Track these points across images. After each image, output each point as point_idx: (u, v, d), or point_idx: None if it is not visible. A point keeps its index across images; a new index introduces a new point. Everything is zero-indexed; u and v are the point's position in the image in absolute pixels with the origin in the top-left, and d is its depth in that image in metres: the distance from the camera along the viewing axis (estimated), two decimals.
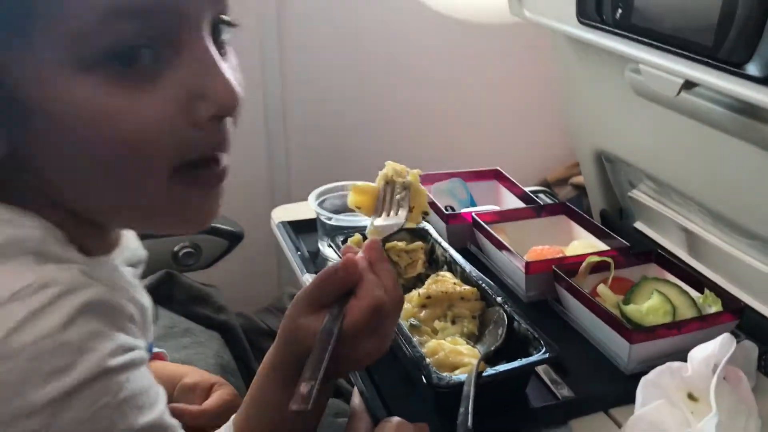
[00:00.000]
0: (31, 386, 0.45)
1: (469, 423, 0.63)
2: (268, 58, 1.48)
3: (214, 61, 0.51)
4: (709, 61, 0.74)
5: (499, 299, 0.80)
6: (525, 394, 0.75)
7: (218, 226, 1.25)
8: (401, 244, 0.93)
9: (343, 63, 1.55)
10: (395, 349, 0.74)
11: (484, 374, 0.69)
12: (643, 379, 0.70)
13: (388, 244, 0.92)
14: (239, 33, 0.56)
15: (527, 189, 1.25)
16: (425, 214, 0.74)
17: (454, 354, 0.73)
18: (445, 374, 0.69)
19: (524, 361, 0.71)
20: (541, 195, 1.23)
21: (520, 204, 1.10)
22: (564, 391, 0.75)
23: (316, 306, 0.63)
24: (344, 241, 0.90)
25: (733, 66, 0.71)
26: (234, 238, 1.26)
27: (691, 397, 0.69)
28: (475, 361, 0.71)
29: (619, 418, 0.74)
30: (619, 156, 1.13)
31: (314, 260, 1.01)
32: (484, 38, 1.62)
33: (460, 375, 0.68)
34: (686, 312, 0.81)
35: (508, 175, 1.15)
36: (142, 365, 0.51)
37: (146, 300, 0.60)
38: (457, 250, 0.93)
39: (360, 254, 0.66)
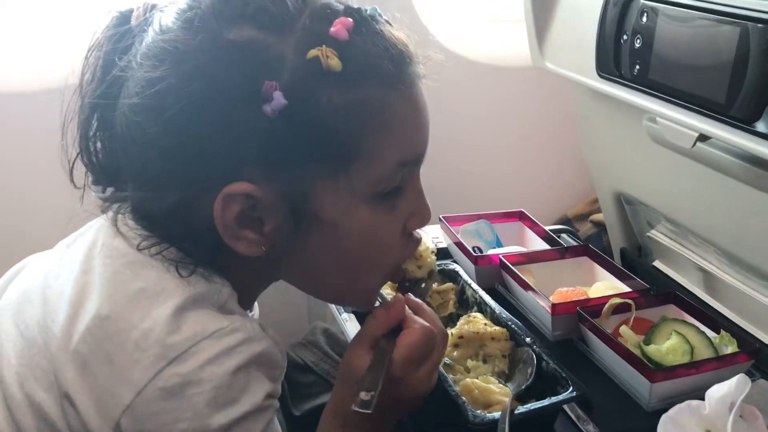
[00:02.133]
0: (210, 411, 0.55)
1: None
2: None
3: (422, 190, 0.68)
4: (722, 117, 0.79)
5: (528, 339, 0.85)
6: (553, 430, 0.80)
7: None
8: (433, 286, 0.99)
9: None
10: None
11: (516, 412, 0.74)
12: (664, 416, 0.74)
13: None
14: None
15: (550, 228, 1.30)
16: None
17: (487, 392, 0.79)
18: (479, 412, 0.74)
19: (553, 399, 0.76)
20: (564, 235, 1.28)
21: (544, 244, 1.15)
22: (590, 428, 0.80)
23: (367, 344, 0.69)
24: None
25: (744, 123, 0.76)
26: None
27: None
28: (507, 399, 0.77)
29: None
30: (638, 198, 1.18)
31: None
32: (506, 80, 1.68)
33: (494, 413, 0.74)
34: (703, 352, 0.86)
35: (531, 217, 1.21)
36: (275, 413, 0.61)
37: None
38: (486, 290, 0.99)
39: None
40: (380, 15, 0.63)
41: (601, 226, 1.52)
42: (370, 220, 0.63)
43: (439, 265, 1.02)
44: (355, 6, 0.63)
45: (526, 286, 0.98)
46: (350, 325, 0.99)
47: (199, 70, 0.57)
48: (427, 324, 0.71)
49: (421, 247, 0.78)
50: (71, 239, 0.70)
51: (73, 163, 0.66)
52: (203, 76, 0.57)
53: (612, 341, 0.86)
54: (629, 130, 1.07)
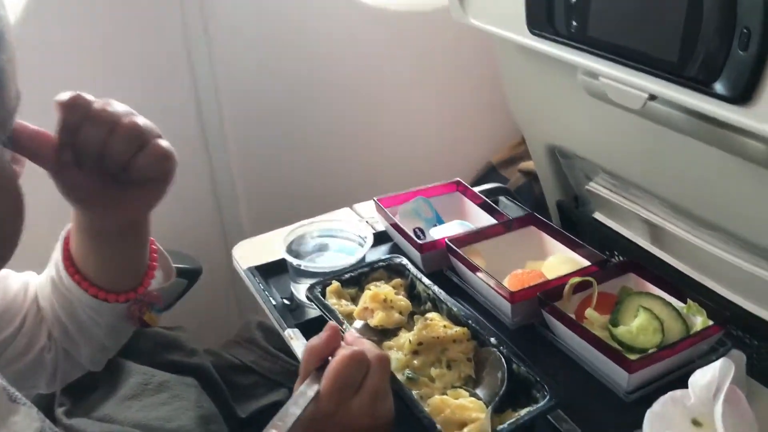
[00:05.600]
0: None
1: None
2: (201, 82, 1.40)
3: None
4: (675, 77, 0.73)
5: (493, 340, 0.79)
6: None
7: (177, 265, 1.17)
8: (380, 283, 0.90)
9: (278, 74, 1.48)
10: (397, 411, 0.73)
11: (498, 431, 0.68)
12: (649, 413, 0.70)
13: (368, 284, 0.90)
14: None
15: (484, 188, 1.24)
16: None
17: (460, 410, 0.72)
18: None
19: (532, 411, 0.71)
20: (502, 198, 1.22)
21: (484, 213, 1.09)
22: (569, 427, 0.76)
23: (304, 376, 0.66)
24: (322, 292, 0.87)
25: (701, 84, 0.70)
26: (193, 275, 1.20)
27: (695, 423, 0.70)
28: (482, 416, 0.71)
29: None
30: (574, 152, 1.13)
31: (291, 310, 0.97)
32: (414, 24, 1.58)
33: None
34: (673, 325, 0.82)
35: (467, 185, 1.13)
36: None
37: None
38: (433, 275, 0.92)
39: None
40: None
41: (531, 175, 1.47)
42: None
43: (384, 260, 0.94)
44: None
45: (475, 270, 0.91)
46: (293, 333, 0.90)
47: None
48: (355, 348, 0.66)
49: (387, 294, 0.70)
50: None
51: None
52: None
53: (581, 329, 0.81)
54: (563, 85, 1.00)
